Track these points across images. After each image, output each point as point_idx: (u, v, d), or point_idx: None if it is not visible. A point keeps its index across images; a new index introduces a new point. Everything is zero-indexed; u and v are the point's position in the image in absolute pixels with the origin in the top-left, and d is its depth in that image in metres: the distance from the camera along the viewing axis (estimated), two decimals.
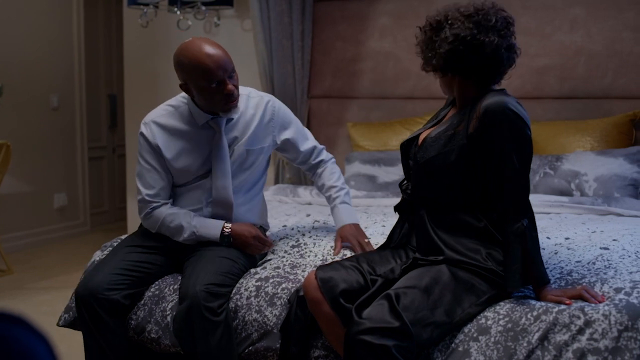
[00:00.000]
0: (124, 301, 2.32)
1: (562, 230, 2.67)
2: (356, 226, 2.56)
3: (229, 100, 2.38)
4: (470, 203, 2.04)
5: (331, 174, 2.69)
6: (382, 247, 2.30)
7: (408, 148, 2.21)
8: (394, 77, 4.23)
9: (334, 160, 2.76)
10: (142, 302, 2.41)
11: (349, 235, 2.49)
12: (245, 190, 2.54)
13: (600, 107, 3.74)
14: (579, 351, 1.77)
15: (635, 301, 1.84)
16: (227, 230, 2.43)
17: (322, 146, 2.74)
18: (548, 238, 2.51)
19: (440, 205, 2.08)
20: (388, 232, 2.61)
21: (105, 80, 6.52)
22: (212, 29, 4.60)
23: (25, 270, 4.90)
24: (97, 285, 2.28)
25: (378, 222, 2.84)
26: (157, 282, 2.45)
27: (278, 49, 4.22)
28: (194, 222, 2.43)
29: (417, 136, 2.20)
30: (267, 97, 2.59)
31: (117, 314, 2.32)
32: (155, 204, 2.45)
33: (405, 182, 2.23)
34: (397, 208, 2.27)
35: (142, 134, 2.48)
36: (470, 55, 1.98)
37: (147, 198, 2.45)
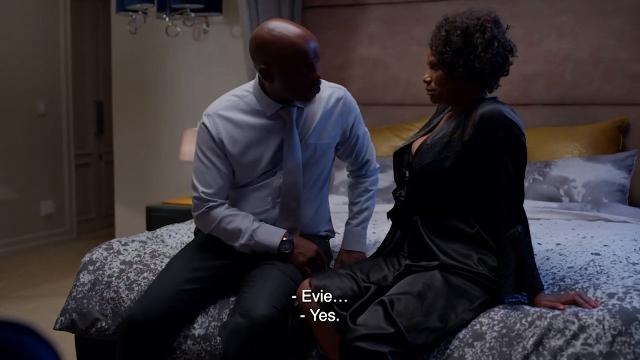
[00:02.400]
0: (170, 333, 2.25)
1: (553, 236, 2.69)
2: (357, 254, 2.42)
3: (315, 87, 2.20)
4: (463, 209, 2.05)
5: (363, 191, 2.50)
6: (375, 255, 2.31)
7: (401, 156, 2.22)
8: (383, 83, 4.24)
9: (376, 177, 2.54)
10: None
11: (344, 262, 2.39)
12: (314, 189, 2.38)
13: (588, 114, 3.78)
14: (574, 356, 1.78)
15: (628, 306, 1.85)
16: (288, 237, 2.27)
17: (373, 157, 2.54)
18: (539, 244, 2.53)
19: (433, 211, 2.09)
20: (377, 239, 2.62)
21: (92, 87, 6.50)
22: (201, 36, 4.60)
23: (12, 278, 4.86)
24: (153, 319, 2.17)
25: (369, 229, 2.83)
26: None
27: None
28: (253, 226, 2.26)
29: (410, 144, 2.21)
30: (340, 90, 2.38)
31: (159, 344, 2.24)
32: (212, 203, 2.28)
33: (399, 189, 2.24)
34: (390, 214, 2.28)
35: (204, 126, 2.28)
36: (508, 59, 2.04)
37: (203, 196, 2.28)
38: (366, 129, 2.50)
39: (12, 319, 0.68)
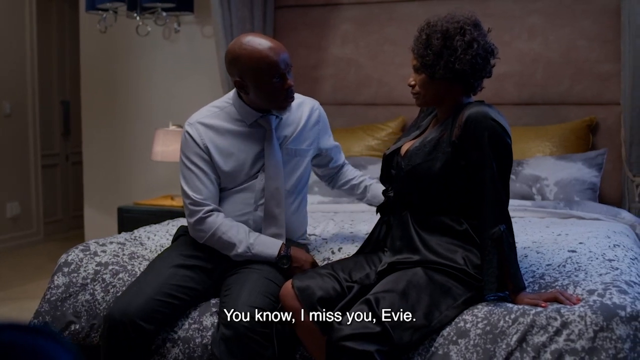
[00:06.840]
0: (155, 330, 2.19)
1: (528, 234, 2.72)
2: None
3: (289, 97, 2.29)
4: (452, 208, 2.08)
5: (352, 171, 2.68)
6: (356, 254, 2.32)
7: (390, 158, 2.24)
8: (356, 83, 4.26)
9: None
10: None
11: None
12: (294, 195, 2.44)
13: (558, 113, 3.84)
14: (557, 352, 1.81)
15: (609, 302, 1.88)
16: (285, 250, 2.30)
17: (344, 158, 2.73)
18: (516, 242, 2.55)
19: (422, 209, 2.11)
20: (354, 237, 2.63)
21: (59, 87, 6.40)
22: (172, 35, 4.56)
23: None
24: (136, 314, 2.12)
25: (346, 229, 2.84)
26: None
27: None
28: (250, 237, 2.29)
29: (400, 147, 2.23)
30: (313, 101, 2.54)
31: (145, 341, 2.19)
32: (208, 208, 2.29)
33: (389, 189, 2.25)
34: (379, 209, 2.29)
35: (188, 133, 2.34)
36: (489, 61, 2.09)
37: (198, 200, 2.29)
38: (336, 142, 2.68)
39: (34, 324, 0.67)
